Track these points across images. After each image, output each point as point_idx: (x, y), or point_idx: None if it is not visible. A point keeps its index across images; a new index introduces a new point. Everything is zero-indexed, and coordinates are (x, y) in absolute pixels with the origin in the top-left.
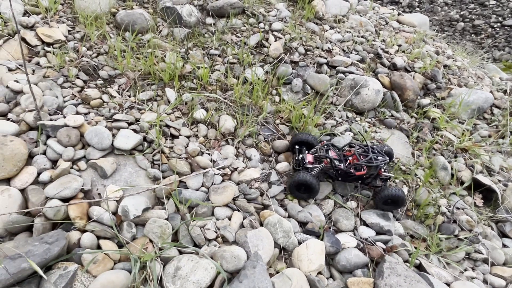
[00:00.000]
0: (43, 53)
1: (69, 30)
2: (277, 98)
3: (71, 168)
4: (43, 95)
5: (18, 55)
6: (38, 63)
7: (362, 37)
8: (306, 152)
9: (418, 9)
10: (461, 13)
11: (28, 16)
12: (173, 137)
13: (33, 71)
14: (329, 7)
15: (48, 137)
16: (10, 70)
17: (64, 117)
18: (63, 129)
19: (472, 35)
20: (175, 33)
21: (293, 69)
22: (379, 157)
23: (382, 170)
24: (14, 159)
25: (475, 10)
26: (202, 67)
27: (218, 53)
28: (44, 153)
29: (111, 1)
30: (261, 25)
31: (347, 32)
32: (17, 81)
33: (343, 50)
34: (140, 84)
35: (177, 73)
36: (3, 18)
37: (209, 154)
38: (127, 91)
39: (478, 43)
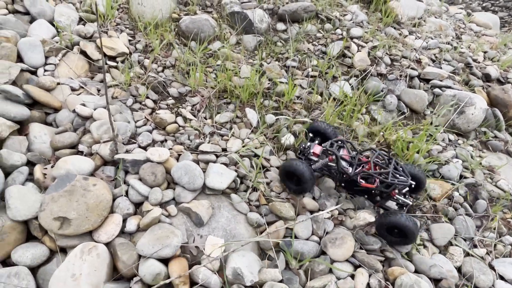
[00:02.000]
0: (106, 68)
1: (129, 40)
2: (366, 117)
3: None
4: (114, 120)
5: (79, 71)
6: (102, 80)
7: (448, 43)
8: (316, 142)
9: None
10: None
11: (84, 25)
12: (263, 168)
13: (98, 90)
14: (404, 8)
15: (126, 172)
16: (73, 90)
17: (141, 146)
18: (146, 166)
19: None
20: (244, 41)
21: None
22: (401, 177)
23: (397, 191)
24: (99, 208)
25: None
26: (288, 83)
27: (296, 65)
28: (126, 194)
29: (171, 5)
30: (338, 31)
31: (430, 38)
32: (84, 105)
33: (432, 60)
34: (216, 104)
35: (259, 90)
36: (59, 27)
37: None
38: (202, 112)
39: None
